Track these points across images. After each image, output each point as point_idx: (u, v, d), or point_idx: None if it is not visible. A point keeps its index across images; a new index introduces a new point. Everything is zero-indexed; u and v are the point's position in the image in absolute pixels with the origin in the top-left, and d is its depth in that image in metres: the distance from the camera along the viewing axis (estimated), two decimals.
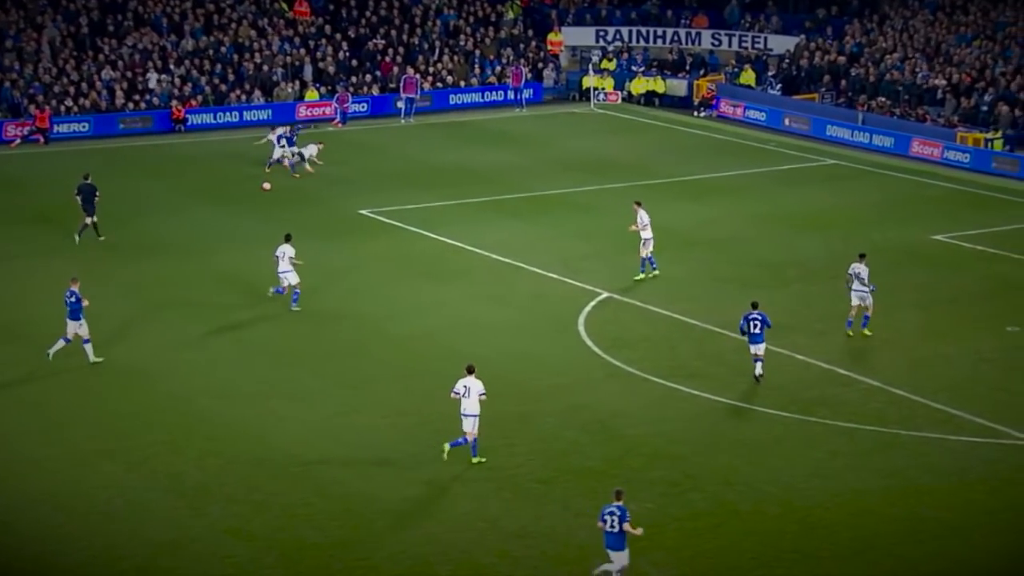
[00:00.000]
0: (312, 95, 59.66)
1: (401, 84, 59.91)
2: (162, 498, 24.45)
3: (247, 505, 24.15)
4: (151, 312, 34.00)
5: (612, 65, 64.26)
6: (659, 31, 65.97)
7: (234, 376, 30.00)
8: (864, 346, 31.77)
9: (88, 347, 30.21)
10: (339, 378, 30.03)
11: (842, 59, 59.56)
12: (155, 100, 57.14)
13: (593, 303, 34.95)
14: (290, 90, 59.60)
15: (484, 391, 25.83)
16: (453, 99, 61.86)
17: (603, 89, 62.95)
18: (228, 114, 57.71)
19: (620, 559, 21.44)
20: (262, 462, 25.82)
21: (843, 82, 58.39)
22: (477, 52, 64.56)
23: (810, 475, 25.17)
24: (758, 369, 29.46)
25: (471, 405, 25.79)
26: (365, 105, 59.78)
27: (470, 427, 25.82)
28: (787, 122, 56.96)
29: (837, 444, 26.51)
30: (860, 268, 31.90)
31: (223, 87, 58.67)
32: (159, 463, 25.81)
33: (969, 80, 54.37)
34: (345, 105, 58.49)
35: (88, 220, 39.22)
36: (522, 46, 65.70)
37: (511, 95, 62.36)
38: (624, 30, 66.16)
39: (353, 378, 30.05)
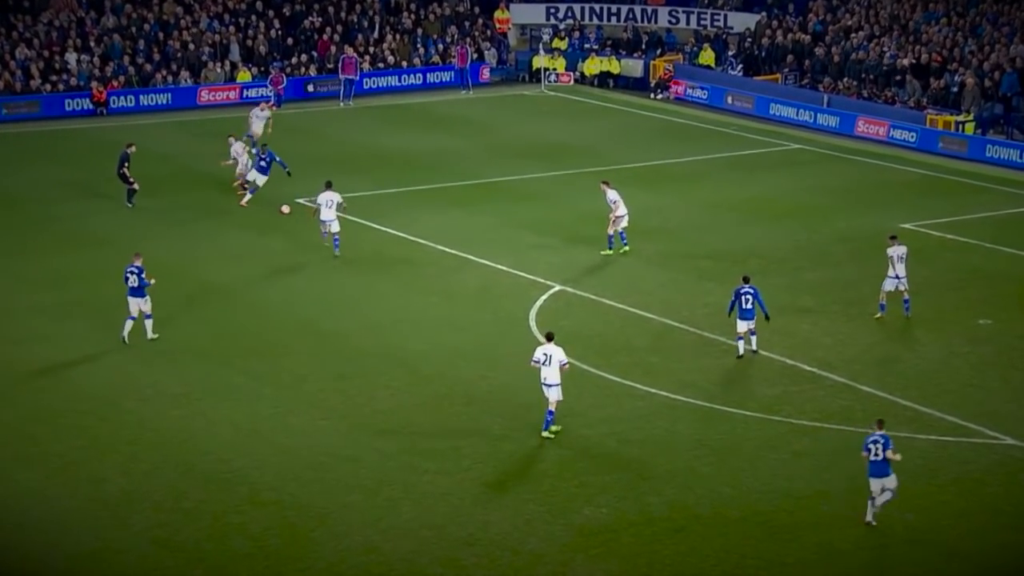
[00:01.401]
0: (244, 76, 59.32)
1: (339, 65, 59.69)
2: (84, 507, 24.22)
3: (175, 513, 23.97)
4: (69, 308, 33.68)
5: (564, 44, 64.30)
6: (613, 8, 66.07)
7: (159, 376, 29.77)
8: (829, 341, 31.97)
9: (149, 323, 31.29)
10: (272, 377, 29.86)
11: (806, 38, 59.90)
12: (73, 81, 56.61)
13: (544, 296, 34.95)
14: (219, 71, 59.24)
15: (566, 360, 26.48)
16: (395, 80, 61.71)
17: (554, 70, 62.99)
18: (153, 96, 57.29)
19: (889, 482, 23.28)
20: (190, 468, 25.63)
21: (806, 62, 58.76)
22: (420, 31, 64.42)
23: (773, 477, 25.29)
24: (753, 345, 30.50)
25: (552, 374, 26.37)
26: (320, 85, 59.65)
27: (555, 396, 26.48)
28: (730, 100, 57.82)
29: (801, 444, 26.65)
30: (899, 249, 32.51)
31: (147, 67, 58.22)
32: (80, 470, 25.56)
33: (939, 60, 54.81)
34: (279, 87, 58.19)
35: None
36: (468, 24, 65.62)
37: (457, 76, 62.33)
38: (576, 7, 66.20)
39: (287, 377, 29.89)
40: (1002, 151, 49.21)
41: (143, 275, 31.11)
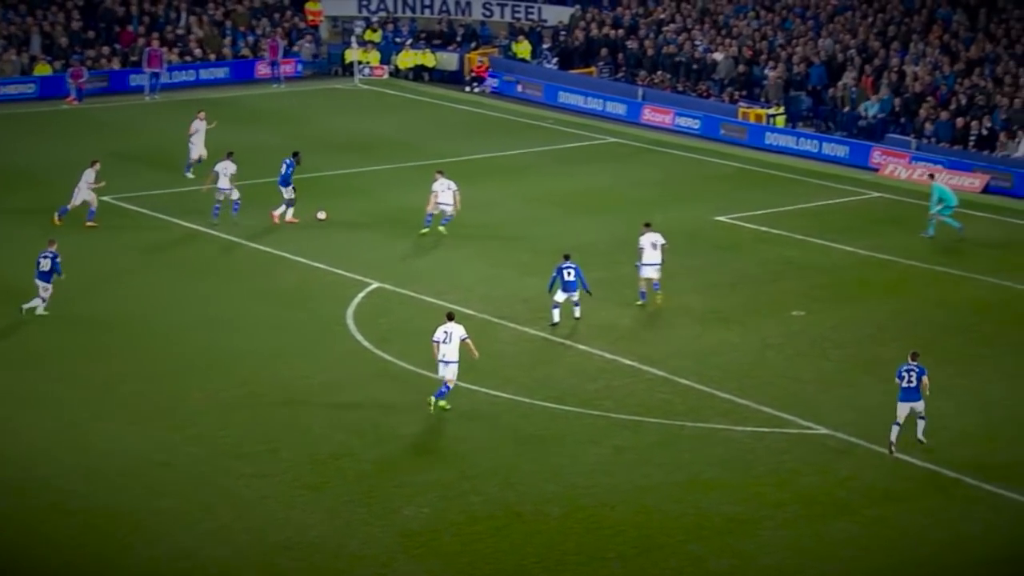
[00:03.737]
0: (43, 69, 57.81)
1: (144, 57, 58.57)
2: None
3: None
4: None
5: (377, 37, 64.14)
6: (427, 0, 66.12)
7: None
8: (648, 335, 32.56)
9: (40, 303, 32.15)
10: (81, 380, 29.24)
11: (619, 31, 60.81)
12: None
13: (362, 294, 34.88)
14: (15, 62, 57.60)
15: (467, 335, 27.71)
16: (203, 73, 60.81)
17: (368, 63, 62.79)
18: None
19: (918, 406, 26.02)
20: None
21: (620, 56, 59.65)
22: (228, 22, 63.59)
23: (594, 472, 25.66)
24: (576, 312, 32.16)
25: (451, 351, 27.58)
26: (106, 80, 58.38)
27: (451, 374, 27.59)
28: (519, 88, 59.03)
29: (622, 438, 27.10)
30: (655, 237, 33.66)
31: None
32: None
33: (750, 53, 56.18)
34: (80, 81, 56.83)
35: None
36: (278, 16, 65.00)
37: (268, 69, 61.71)
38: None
39: (97, 380, 29.30)
40: (786, 141, 50.77)
41: (57, 260, 32.17)
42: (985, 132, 47.75)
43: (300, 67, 63.05)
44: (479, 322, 33.12)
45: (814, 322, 33.40)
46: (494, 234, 40.15)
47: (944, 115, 48.70)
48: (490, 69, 61.02)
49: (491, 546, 23.11)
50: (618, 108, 56.13)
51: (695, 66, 56.88)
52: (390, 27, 65.08)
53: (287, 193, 40.36)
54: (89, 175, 39.46)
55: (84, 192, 39.33)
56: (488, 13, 65.89)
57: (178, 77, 59.66)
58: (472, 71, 61.44)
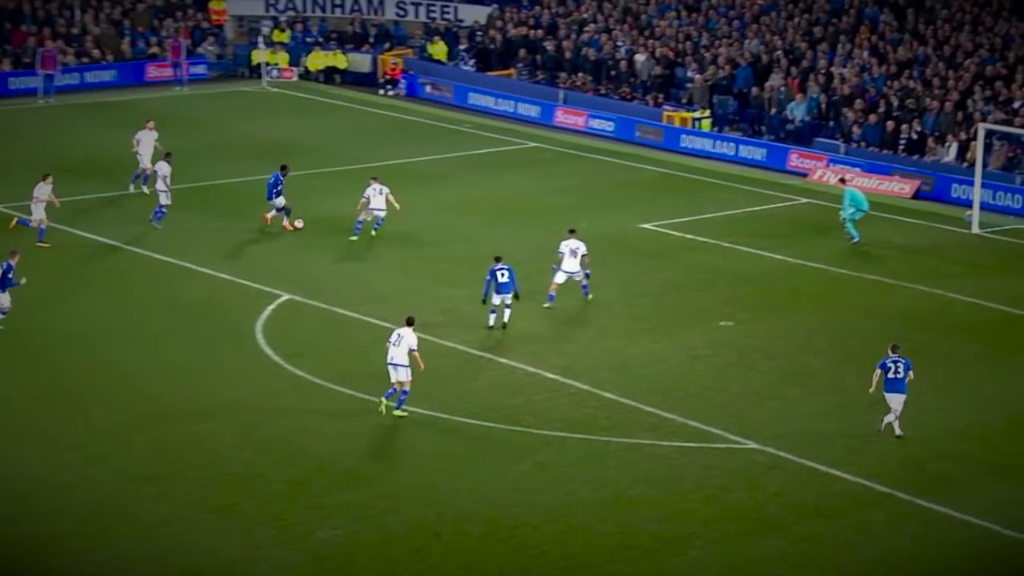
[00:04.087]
0: None
1: (37, 58, 57.89)
2: None
3: None
4: None
5: (285, 37, 63.89)
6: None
7: None
8: (571, 347, 32.68)
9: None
10: None
11: (538, 32, 61.02)
12: None
13: (272, 306, 34.72)
14: None
15: (416, 346, 28.29)
16: (89, 76, 60.15)
17: (276, 65, 62.53)
18: None
19: (900, 400, 27.52)
20: None
21: (538, 57, 59.83)
22: (128, 22, 63.05)
23: (516, 490, 25.71)
24: (505, 317, 32.74)
25: (399, 354, 28.25)
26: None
27: (403, 376, 28.27)
28: (427, 89, 59.52)
29: (545, 455, 27.17)
30: (575, 244, 34.47)
31: None
32: None
33: (673, 54, 56.59)
34: None
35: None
36: (180, 15, 64.57)
37: (170, 71, 61.26)
38: None
39: None
40: (745, 149, 51.22)
41: (10, 274, 32.17)
42: (915, 136, 48.42)
43: (205, 68, 62.65)
44: None
45: (742, 332, 33.69)
46: (411, 243, 40.11)
47: (873, 118, 49.35)
48: (405, 71, 60.99)
49: (409, 568, 23.09)
50: (531, 110, 56.58)
51: (612, 71, 57.11)
52: (299, 27, 64.84)
53: (278, 203, 40.36)
54: (42, 189, 38.79)
55: (39, 207, 38.73)
56: (402, 13, 65.86)
57: (61, 80, 58.76)
58: (386, 73, 61.36)
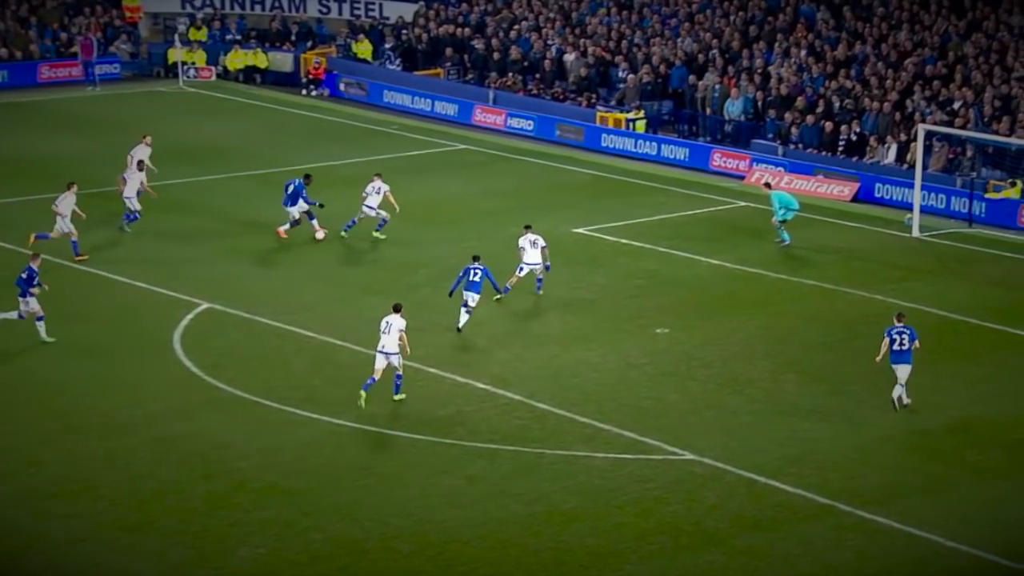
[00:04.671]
0: None
1: None
2: None
3: None
4: None
5: (202, 35, 63.57)
6: None
7: None
8: (503, 355, 32.70)
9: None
10: None
11: (465, 30, 61.05)
12: None
13: (191, 316, 34.51)
14: None
15: (403, 329, 29.25)
16: (6, 76, 59.57)
17: (193, 64, 62.18)
18: None
19: (906, 371, 29.30)
20: None
21: (466, 56, 59.86)
22: (35, 19, 62.46)
23: (446, 505, 25.69)
24: (462, 319, 33.46)
25: (391, 342, 29.25)
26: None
27: (395, 363, 29.33)
28: (342, 87, 59.91)
29: (476, 468, 27.16)
30: (534, 237, 35.84)
31: None
32: None
33: (606, 54, 56.80)
34: None
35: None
36: (88, 10, 64.04)
37: (81, 71, 60.76)
38: None
39: None
40: (676, 150, 51.55)
41: (35, 279, 32.21)
42: (854, 137, 48.88)
43: (118, 68, 62.20)
44: (320, 345, 32.99)
45: (679, 340, 33.84)
46: (336, 250, 39.96)
47: (811, 119, 49.75)
48: (328, 71, 60.83)
49: None
50: (448, 109, 56.84)
51: (536, 72, 57.19)
52: (217, 25, 64.49)
53: (294, 212, 40.09)
54: (66, 200, 38.06)
55: (62, 221, 37.91)
56: (325, 10, 65.68)
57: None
58: (309, 73, 61.15)
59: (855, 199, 46.49)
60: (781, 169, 47.93)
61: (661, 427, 28.97)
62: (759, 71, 52.88)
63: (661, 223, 43.56)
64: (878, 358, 29.81)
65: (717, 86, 52.63)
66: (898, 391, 29.49)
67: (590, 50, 56.84)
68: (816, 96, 50.69)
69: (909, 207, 43.76)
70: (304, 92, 60.74)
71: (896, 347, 29.52)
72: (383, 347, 29.42)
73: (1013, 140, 45.07)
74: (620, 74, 55.10)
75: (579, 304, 36.20)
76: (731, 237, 42.22)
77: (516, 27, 60.13)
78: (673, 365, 32.32)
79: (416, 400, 30.16)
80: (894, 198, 45.92)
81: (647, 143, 51.82)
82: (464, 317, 33.59)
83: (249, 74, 62.40)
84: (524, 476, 26.81)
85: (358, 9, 65.20)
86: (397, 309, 29.73)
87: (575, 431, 28.78)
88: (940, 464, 27.63)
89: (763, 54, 53.85)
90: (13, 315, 32.65)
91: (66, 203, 38.03)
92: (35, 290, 32.40)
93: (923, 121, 46.47)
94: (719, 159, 50.04)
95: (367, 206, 40.03)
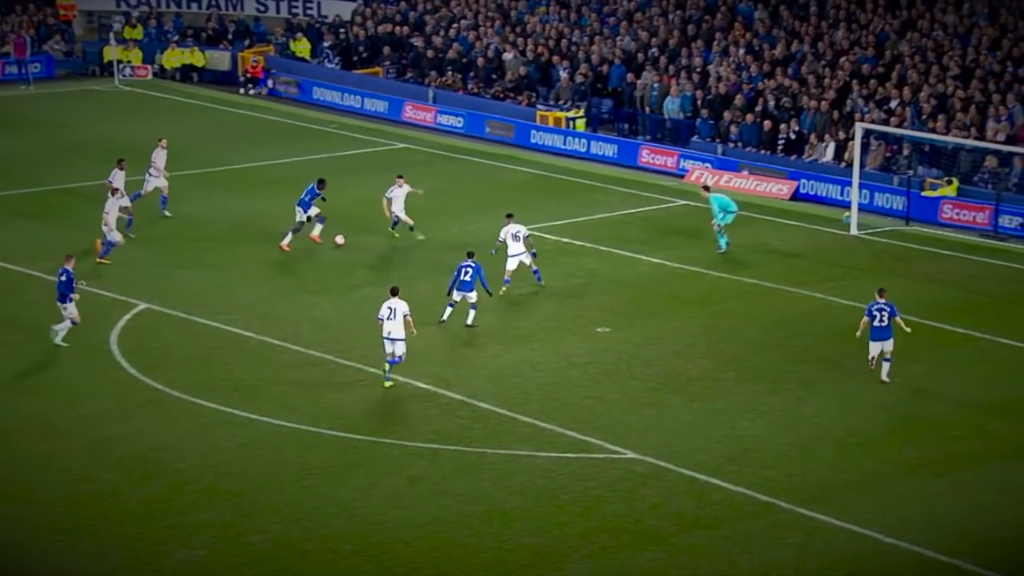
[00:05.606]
0: None
1: None
2: None
3: None
4: None
5: (138, 34, 63.17)
6: None
7: None
8: (444, 355, 32.67)
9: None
10: None
11: (404, 29, 60.95)
12: None
13: (128, 316, 34.29)
14: None
15: (409, 312, 29.88)
16: None
17: (129, 62, 61.77)
18: None
19: (888, 345, 30.20)
20: None
21: (405, 55, 59.74)
22: None
23: (387, 505, 25.65)
24: (469, 319, 33.83)
25: (396, 327, 29.82)
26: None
27: (399, 350, 29.99)
28: (270, 83, 59.91)
29: (417, 468, 27.14)
30: (515, 228, 36.49)
31: None
32: None
33: (545, 52, 56.85)
34: None
35: None
36: (19, 8, 63.46)
37: (15, 69, 60.25)
38: None
39: None
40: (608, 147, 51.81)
41: (73, 283, 31.84)
42: (793, 136, 49.17)
43: (52, 66, 61.73)
44: (258, 344, 32.86)
45: (620, 339, 33.94)
46: (274, 250, 39.76)
47: (750, 118, 50.01)
48: (267, 69, 60.61)
49: None
50: (378, 105, 57.02)
51: (471, 70, 57.21)
52: (153, 23, 64.07)
53: (299, 215, 39.73)
54: (114, 204, 37.80)
55: (110, 223, 37.62)
56: (262, 8, 65.40)
57: None
58: (247, 71, 60.89)
59: (794, 197, 46.80)
60: (708, 165, 48.35)
61: (603, 426, 29.04)
62: (698, 69, 53.10)
63: (601, 222, 43.66)
64: (858, 334, 30.88)
65: (656, 84, 52.79)
66: (874, 355, 30.66)
67: (529, 49, 56.87)
68: (755, 94, 50.95)
69: (847, 205, 44.08)
70: (242, 91, 60.46)
71: (877, 323, 30.34)
72: (389, 333, 30.02)
73: (949, 138, 45.49)
74: (562, 73, 55.18)
75: (520, 303, 36.23)
76: (671, 236, 42.38)
77: (455, 25, 60.10)
78: (614, 364, 32.40)
79: (357, 401, 30.10)
80: (832, 196, 46.26)
81: (577, 140, 52.15)
82: (448, 312, 33.98)
83: (186, 73, 62.04)
84: (465, 476, 26.81)
85: (295, 8, 64.97)
86: (395, 292, 30.24)
87: (516, 431, 28.80)
88: (878, 461, 27.85)
89: (702, 52, 54.07)
90: (67, 325, 32.08)
91: (114, 205, 37.84)
92: (75, 295, 32.02)
93: (861, 119, 46.83)
94: (647, 155, 50.50)
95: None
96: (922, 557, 24.26)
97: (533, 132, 52.91)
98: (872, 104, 48.40)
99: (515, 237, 36.38)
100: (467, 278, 33.74)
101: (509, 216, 36.93)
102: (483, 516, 25.27)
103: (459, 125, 54.67)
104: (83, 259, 36.70)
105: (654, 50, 54.80)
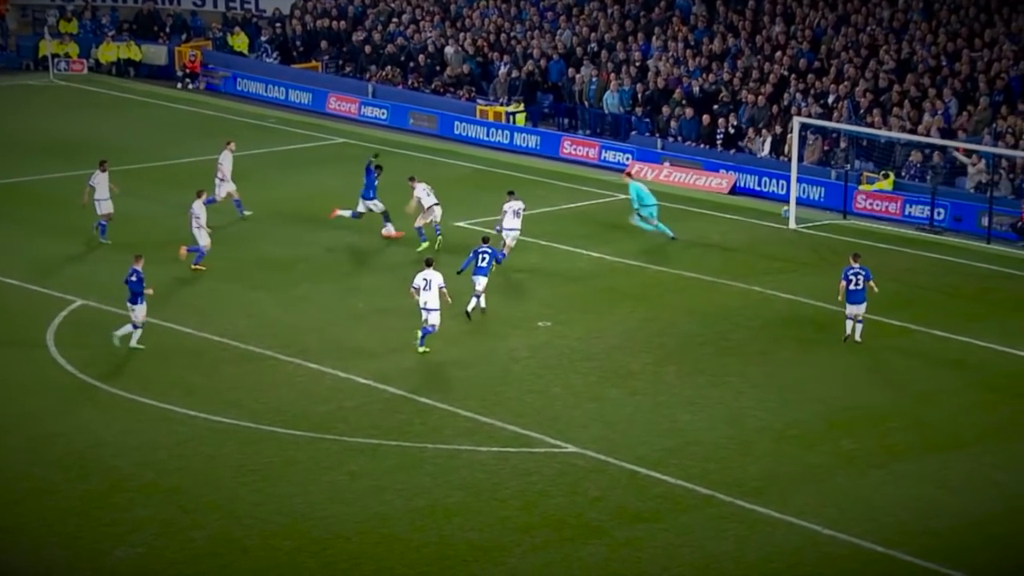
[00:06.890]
0: None
1: None
2: None
3: None
4: None
5: (73, 27, 62.64)
6: None
7: None
8: (382, 350, 32.60)
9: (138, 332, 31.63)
10: None
11: (342, 23, 60.75)
12: None
13: (65, 312, 34.05)
14: None
15: (444, 283, 31.15)
16: None
17: (65, 56, 61.28)
18: None
19: (861, 308, 32.48)
20: None
21: (344, 49, 59.58)
22: None
23: (328, 501, 25.60)
24: (482, 302, 34.25)
25: (432, 298, 31.13)
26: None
27: (435, 320, 31.32)
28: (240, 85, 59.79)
29: (357, 463, 27.10)
30: (518, 204, 38.12)
31: None
32: None
33: (485, 46, 56.84)
34: None
35: None
36: None
37: None
38: None
39: None
40: (528, 138, 52.11)
41: (143, 283, 31.76)
42: (731, 130, 49.40)
43: None
44: (198, 340, 32.71)
45: (560, 333, 34.01)
46: (214, 244, 39.54)
47: (689, 112, 50.19)
48: (204, 63, 60.29)
49: None
50: (302, 97, 57.25)
51: (411, 64, 57.07)
52: (88, 16, 63.57)
53: (375, 207, 39.83)
54: (201, 208, 37.44)
55: (197, 228, 37.26)
56: (199, 2, 65.02)
57: None
58: (184, 66, 60.53)
59: (732, 191, 47.03)
60: (630, 156, 48.88)
61: (544, 420, 29.09)
62: (637, 64, 53.23)
63: (541, 216, 43.66)
64: (839, 297, 32.86)
65: (594, 79, 52.89)
66: (850, 326, 32.61)
67: (468, 43, 56.81)
68: (691, 88, 51.13)
69: (785, 199, 44.35)
70: (179, 86, 60.10)
71: (852, 287, 32.37)
72: (425, 304, 31.36)
73: (884, 132, 45.85)
74: (503, 68, 55.16)
75: (461, 298, 36.17)
76: (610, 231, 42.48)
77: (395, 20, 59.96)
78: (555, 358, 32.47)
79: (297, 396, 30.01)
80: (770, 190, 46.52)
81: (499, 131, 52.39)
82: (473, 302, 34.24)
83: (123, 67, 61.61)
84: (406, 471, 26.80)
85: (233, 2, 64.63)
86: (430, 263, 31.62)
87: (458, 425, 28.81)
88: (817, 453, 28.05)
89: (640, 47, 54.20)
90: (129, 329, 31.76)
91: (202, 210, 37.45)
92: (148, 291, 31.77)
93: (799, 114, 47.12)
94: (568, 146, 51.11)
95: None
96: (860, 548, 24.47)
97: (456, 123, 53.33)
98: (810, 99, 48.69)
99: (516, 214, 37.76)
100: (483, 264, 34.17)
101: (511, 193, 38.27)
102: (424, 511, 25.26)
103: (383, 117, 55.16)
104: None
105: (593, 45, 54.89)
